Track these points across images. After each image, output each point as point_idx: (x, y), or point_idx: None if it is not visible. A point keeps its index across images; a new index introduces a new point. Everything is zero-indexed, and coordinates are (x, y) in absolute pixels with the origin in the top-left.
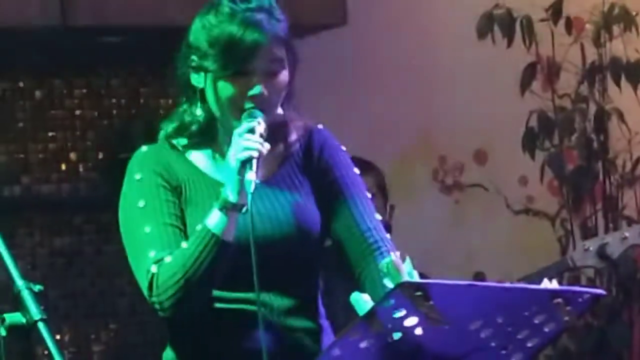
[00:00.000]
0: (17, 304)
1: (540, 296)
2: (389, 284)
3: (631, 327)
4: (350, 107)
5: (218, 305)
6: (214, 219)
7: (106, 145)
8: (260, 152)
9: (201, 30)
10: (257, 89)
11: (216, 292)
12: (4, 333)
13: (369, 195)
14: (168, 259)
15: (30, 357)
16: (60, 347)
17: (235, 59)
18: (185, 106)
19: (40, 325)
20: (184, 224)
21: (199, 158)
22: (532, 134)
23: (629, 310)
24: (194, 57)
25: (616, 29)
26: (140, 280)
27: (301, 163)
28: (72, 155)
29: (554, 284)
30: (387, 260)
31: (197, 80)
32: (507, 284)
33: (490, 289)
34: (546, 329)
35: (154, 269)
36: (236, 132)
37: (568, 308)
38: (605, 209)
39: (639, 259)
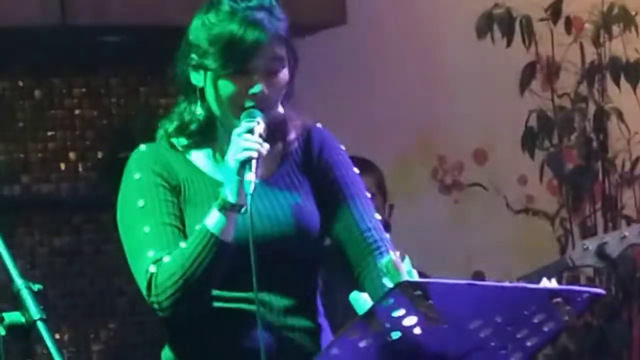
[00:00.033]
0: (17, 303)
1: (539, 295)
2: (388, 283)
3: (630, 327)
4: (349, 106)
5: (217, 304)
6: (213, 219)
7: (106, 145)
8: (259, 153)
9: (201, 29)
10: (257, 88)
11: (215, 292)
12: (3, 332)
13: (369, 195)
14: (167, 259)
15: (30, 356)
16: (60, 347)
17: (236, 58)
18: (184, 105)
19: (40, 324)
20: (183, 224)
21: (199, 157)
22: (532, 134)
23: (629, 309)
24: (193, 56)
25: (615, 29)
26: (139, 280)
27: (300, 162)
28: (72, 155)
29: (553, 284)
30: (386, 259)
31: (197, 78)
32: (507, 284)
33: (490, 289)
34: (545, 329)
35: (152, 268)
36: (235, 132)
37: (567, 307)
38: (604, 209)
39: (638, 258)
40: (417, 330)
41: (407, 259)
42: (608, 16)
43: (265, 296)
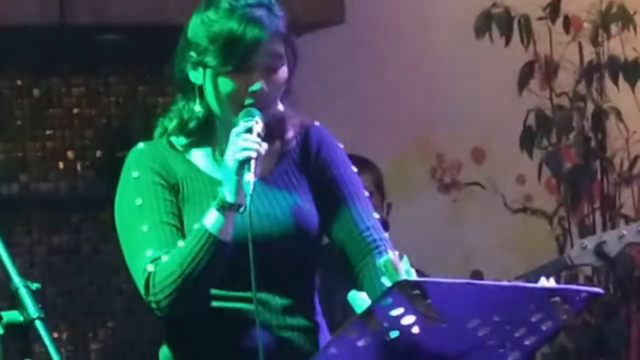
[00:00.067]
0: (15, 302)
1: (537, 295)
2: (386, 282)
3: (629, 325)
4: (347, 105)
5: (215, 303)
6: (211, 219)
7: (104, 144)
8: (258, 152)
9: (200, 26)
10: (257, 85)
11: (213, 291)
12: (1, 331)
13: (367, 194)
14: (165, 258)
15: (28, 355)
16: (58, 345)
17: (235, 55)
18: (182, 103)
19: (38, 323)
20: (182, 223)
21: (197, 156)
22: (530, 133)
23: (627, 308)
24: (192, 54)
25: (614, 28)
26: (136, 279)
27: (298, 161)
28: (70, 154)
29: (551, 283)
30: (384, 258)
31: (195, 76)
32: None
33: (488, 288)
34: (543, 328)
35: (150, 268)
36: (234, 131)
37: (565, 307)
38: (602, 208)
39: (637, 257)
40: (416, 329)
41: (405, 258)
42: (606, 15)
43: (263, 295)
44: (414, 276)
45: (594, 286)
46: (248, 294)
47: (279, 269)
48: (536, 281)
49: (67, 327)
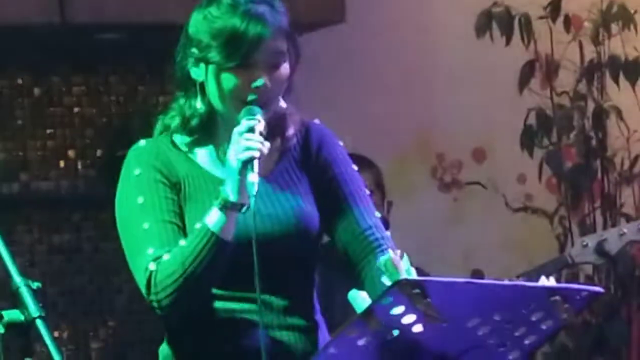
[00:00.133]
0: (16, 301)
1: (538, 294)
2: (386, 281)
3: (629, 325)
4: (348, 104)
5: (215, 303)
6: (213, 218)
7: (105, 143)
8: (260, 152)
9: (202, 22)
10: (260, 81)
11: (213, 290)
12: (2, 330)
13: (368, 192)
14: (166, 257)
15: (29, 354)
16: (59, 344)
17: (238, 51)
18: (184, 100)
19: (39, 322)
20: (183, 221)
21: (199, 154)
22: (531, 132)
23: (627, 307)
24: (194, 50)
25: (615, 27)
26: (137, 277)
27: (299, 158)
28: (71, 153)
29: (551, 282)
30: (385, 257)
31: (197, 73)
32: (505, 282)
33: (488, 287)
34: (544, 327)
35: (152, 266)
36: (236, 130)
37: (566, 306)
38: (603, 207)
39: (637, 256)
40: (416, 329)
41: (405, 257)
42: (607, 14)
43: (263, 295)
44: (414, 275)
45: (595, 285)
46: (248, 294)
47: (279, 268)
48: (537, 280)
49: (68, 326)
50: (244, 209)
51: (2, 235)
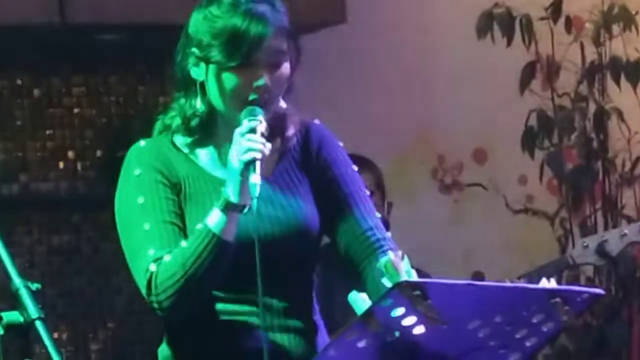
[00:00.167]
0: (15, 303)
1: (538, 296)
2: (387, 283)
3: (630, 326)
4: (349, 105)
5: (215, 304)
6: (215, 219)
7: (105, 144)
8: (262, 153)
9: (203, 22)
10: (261, 81)
11: (214, 292)
12: (1, 331)
13: (368, 193)
14: (167, 258)
15: (28, 356)
16: (58, 346)
17: (240, 51)
18: (184, 100)
19: (38, 323)
20: (183, 222)
21: (200, 155)
22: (532, 133)
23: (628, 309)
24: (194, 49)
25: (616, 28)
26: (138, 278)
27: (299, 159)
28: (70, 154)
29: (552, 284)
30: (385, 259)
31: (197, 73)
32: (506, 284)
33: (489, 289)
34: (544, 329)
35: (153, 267)
36: (238, 131)
37: (566, 308)
38: (604, 208)
39: (638, 257)
40: (417, 330)
41: (405, 259)
42: (608, 15)
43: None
44: (414, 277)
45: (596, 287)
46: (247, 296)
47: (279, 269)
48: (538, 281)
49: (67, 328)
50: (245, 210)
51: (1, 236)
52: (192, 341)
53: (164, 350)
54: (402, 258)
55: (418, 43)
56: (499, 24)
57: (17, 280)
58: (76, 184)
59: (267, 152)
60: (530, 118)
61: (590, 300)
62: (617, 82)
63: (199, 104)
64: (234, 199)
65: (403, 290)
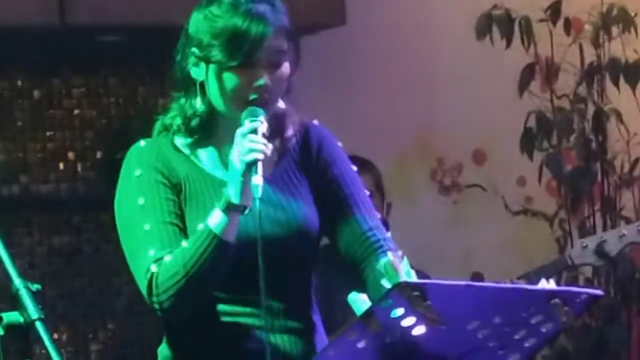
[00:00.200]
0: (15, 303)
1: (537, 297)
2: (386, 284)
3: (629, 328)
4: (348, 107)
5: (215, 304)
6: (216, 219)
7: (105, 145)
8: (264, 154)
9: (203, 22)
10: (262, 81)
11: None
12: (1, 332)
13: (367, 193)
14: (168, 258)
15: (28, 356)
16: (58, 347)
17: (240, 51)
18: (184, 100)
19: (38, 324)
20: (184, 223)
21: (200, 155)
22: (531, 135)
23: (627, 310)
24: (195, 49)
25: (615, 30)
26: (138, 279)
27: (298, 159)
28: (71, 155)
29: (551, 284)
30: (384, 260)
31: (197, 73)
32: (505, 285)
33: (488, 290)
34: (544, 330)
35: (153, 268)
36: (239, 132)
37: (566, 309)
38: (603, 210)
39: (637, 259)
40: (416, 331)
41: (405, 260)
42: (607, 17)
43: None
44: (414, 278)
45: (595, 288)
46: (247, 297)
47: (278, 270)
48: (537, 282)
49: (68, 329)
50: (246, 211)
51: (2, 237)
52: (192, 341)
53: (163, 350)
54: (402, 259)
55: (417, 45)
56: (498, 25)
57: (17, 281)
58: (76, 185)
59: (268, 153)
60: (529, 119)
61: (589, 301)
62: (616, 84)
63: (199, 103)
64: (235, 199)
65: (402, 291)
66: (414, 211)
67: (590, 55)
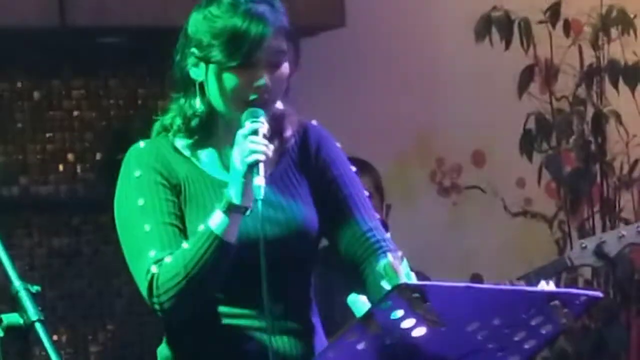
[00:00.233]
0: (15, 305)
1: (537, 298)
2: (386, 285)
3: (628, 329)
4: (348, 108)
5: (215, 305)
6: (217, 220)
7: (104, 146)
8: (266, 155)
9: (202, 22)
10: (262, 81)
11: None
12: (1, 334)
13: (367, 194)
14: (168, 260)
15: (28, 358)
16: (58, 348)
17: (240, 51)
18: (183, 100)
19: (38, 326)
20: (184, 224)
21: (200, 156)
22: (530, 136)
23: (627, 312)
24: (194, 50)
25: (614, 32)
26: (138, 280)
27: (297, 160)
28: (70, 156)
29: (551, 286)
30: (384, 262)
31: (197, 73)
32: (504, 286)
33: (488, 291)
34: (543, 331)
35: (154, 269)
36: (240, 133)
37: (565, 310)
38: (602, 211)
39: (636, 260)
40: (416, 333)
41: (405, 261)
42: (607, 19)
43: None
44: (413, 279)
45: (594, 290)
46: (247, 298)
47: (278, 271)
48: (536, 283)
49: (67, 330)
50: (248, 212)
51: (1, 239)
52: (192, 342)
53: (163, 350)
54: (402, 260)
55: (417, 46)
56: (497, 27)
57: (17, 282)
58: (76, 187)
59: (270, 153)
60: (529, 121)
61: (589, 302)
62: (615, 86)
63: (198, 104)
64: (236, 200)
65: (402, 293)
66: (414, 212)
67: (589, 56)
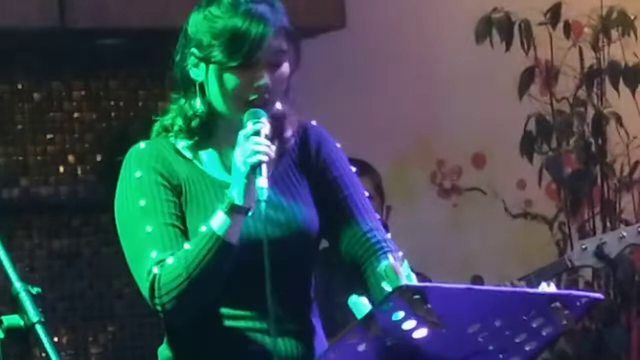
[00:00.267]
0: (15, 306)
1: (538, 300)
2: (387, 287)
3: (629, 331)
4: (348, 110)
5: (215, 306)
6: (219, 221)
7: (105, 148)
8: (268, 156)
9: (202, 22)
10: (262, 81)
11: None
12: (1, 335)
13: (367, 194)
14: (170, 260)
15: (28, 359)
16: (58, 349)
17: (240, 51)
18: (183, 100)
19: (38, 327)
20: (184, 224)
21: (200, 156)
22: (530, 138)
23: (627, 313)
24: (194, 50)
25: (614, 33)
26: (140, 281)
27: (297, 160)
28: (71, 158)
29: (551, 288)
30: (385, 263)
31: (197, 73)
32: (505, 288)
33: (488, 293)
34: (544, 333)
35: (156, 270)
36: (242, 134)
37: (566, 312)
38: (603, 213)
39: (637, 261)
40: (417, 334)
41: (405, 263)
42: (607, 20)
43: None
44: (414, 281)
45: (594, 291)
46: (247, 298)
47: (278, 271)
48: (537, 283)
49: (68, 331)
50: (250, 213)
51: (2, 241)
52: (193, 342)
53: (164, 350)
54: (402, 260)
55: (417, 48)
56: (497, 28)
57: (17, 284)
58: (76, 188)
59: (272, 154)
60: (529, 123)
61: (589, 304)
62: (616, 87)
63: (198, 104)
64: (238, 201)
65: (403, 294)
66: (414, 214)
67: (589, 58)
